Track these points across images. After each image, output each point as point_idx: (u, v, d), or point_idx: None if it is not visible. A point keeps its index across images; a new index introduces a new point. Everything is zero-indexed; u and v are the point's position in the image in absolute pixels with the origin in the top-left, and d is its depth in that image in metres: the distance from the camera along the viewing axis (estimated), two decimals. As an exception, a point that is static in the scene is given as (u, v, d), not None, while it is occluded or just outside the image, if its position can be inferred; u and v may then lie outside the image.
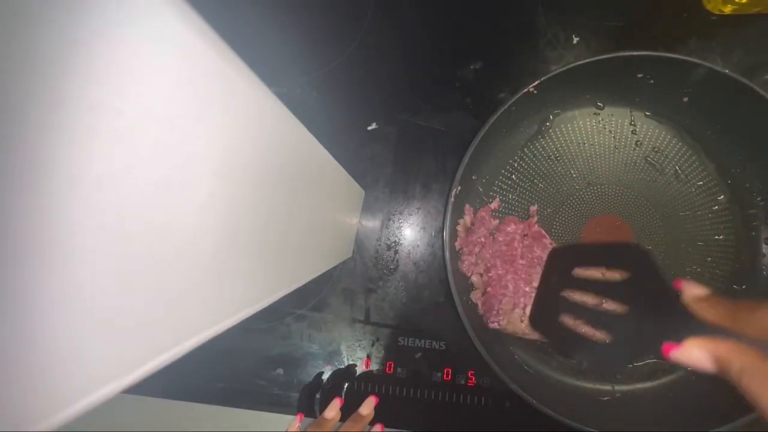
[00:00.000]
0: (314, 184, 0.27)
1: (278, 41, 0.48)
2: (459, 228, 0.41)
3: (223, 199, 0.15)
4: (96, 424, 0.21)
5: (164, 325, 0.14)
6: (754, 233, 0.41)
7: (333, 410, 0.39)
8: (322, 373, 0.43)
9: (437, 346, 0.43)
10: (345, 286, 0.45)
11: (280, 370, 0.44)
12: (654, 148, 0.43)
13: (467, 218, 0.42)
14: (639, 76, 0.39)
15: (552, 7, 0.46)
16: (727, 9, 0.44)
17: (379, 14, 0.47)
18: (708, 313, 0.22)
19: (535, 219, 0.42)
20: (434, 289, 0.44)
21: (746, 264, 0.41)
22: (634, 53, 0.37)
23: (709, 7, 0.45)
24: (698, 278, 0.41)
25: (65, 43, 0.09)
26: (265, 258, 0.21)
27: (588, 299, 0.34)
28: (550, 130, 0.43)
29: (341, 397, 0.41)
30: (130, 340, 0.12)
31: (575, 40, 0.46)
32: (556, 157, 0.43)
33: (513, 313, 0.39)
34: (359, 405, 0.40)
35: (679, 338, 0.22)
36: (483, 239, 0.42)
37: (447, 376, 0.42)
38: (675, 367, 0.40)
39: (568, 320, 0.34)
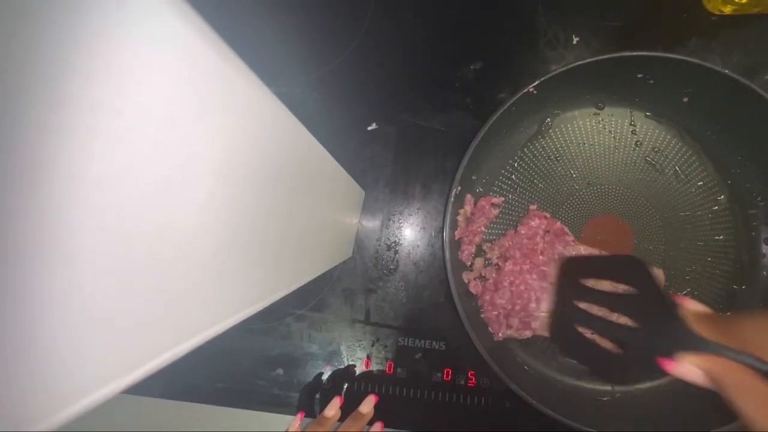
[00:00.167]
0: (314, 184, 0.27)
1: (278, 41, 0.48)
2: (459, 218, 0.41)
3: (223, 199, 0.15)
4: (96, 424, 0.21)
5: (164, 325, 0.14)
6: (754, 233, 0.41)
7: (333, 409, 0.39)
8: (322, 373, 0.43)
9: (437, 346, 0.43)
10: (345, 286, 0.45)
11: (280, 370, 0.44)
12: (654, 148, 0.43)
13: (467, 208, 0.42)
14: (639, 76, 0.39)
15: (552, 7, 0.46)
16: (727, 9, 0.44)
17: (379, 14, 0.47)
18: (703, 327, 0.22)
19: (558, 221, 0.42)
20: (434, 289, 0.44)
21: (746, 264, 0.41)
22: (634, 53, 0.37)
23: (709, 7, 0.45)
24: (698, 278, 0.41)
25: (65, 43, 0.09)
26: (265, 258, 0.21)
27: (596, 310, 0.35)
28: (550, 130, 0.43)
29: (341, 396, 0.41)
30: (130, 340, 0.12)
31: (575, 40, 0.46)
32: (556, 157, 0.43)
33: (539, 314, 0.40)
34: (358, 405, 0.40)
35: (677, 352, 0.23)
36: (483, 228, 0.42)
37: (447, 376, 0.42)
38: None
39: (579, 328, 0.35)
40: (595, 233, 0.42)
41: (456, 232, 0.41)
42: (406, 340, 0.43)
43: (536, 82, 0.37)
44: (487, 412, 0.41)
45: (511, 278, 0.41)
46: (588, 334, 0.35)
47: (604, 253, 0.41)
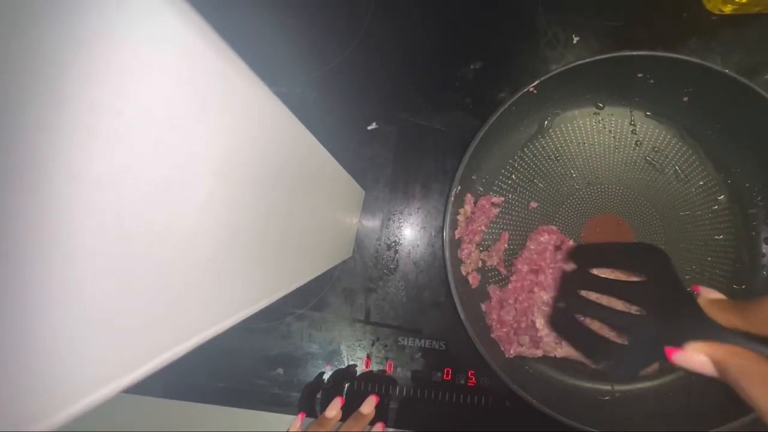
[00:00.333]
0: (314, 184, 0.27)
1: (278, 41, 0.48)
2: (459, 217, 0.41)
3: (223, 199, 0.15)
4: (96, 424, 0.21)
5: (164, 325, 0.14)
6: (754, 233, 0.41)
7: (334, 409, 0.39)
8: (323, 372, 0.43)
9: (437, 346, 0.43)
10: (345, 285, 0.45)
11: (280, 370, 0.44)
12: (654, 148, 0.43)
13: (467, 207, 0.42)
14: (639, 76, 0.39)
15: (552, 7, 0.46)
16: (727, 9, 0.44)
17: (379, 14, 0.47)
18: (721, 314, 0.22)
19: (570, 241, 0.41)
20: (434, 289, 0.44)
21: (746, 264, 0.41)
22: (634, 53, 0.37)
23: (709, 7, 0.45)
24: (698, 278, 0.41)
25: (65, 43, 0.09)
26: (265, 258, 0.21)
27: (604, 299, 0.34)
28: (550, 130, 0.43)
29: (342, 396, 0.41)
30: (130, 340, 0.12)
31: (575, 40, 0.46)
32: (556, 157, 0.43)
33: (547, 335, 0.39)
34: (359, 404, 0.40)
35: (685, 341, 0.22)
36: (483, 227, 0.42)
37: (447, 376, 0.42)
38: (676, 367, 0.40)
39: (586, 320, 0.34)
40: (595, 233, 0.42)
41: (456, 232, 0.41)
42: (406, 339, 0.43)
43: (536, 82, 0.37)
44: (487, 412, 0.41)
45: (515, 295, 0.40)
46: (590, 323, 0.34)
47: (619, 240, 0.40)
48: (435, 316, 0.44)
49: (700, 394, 0.38)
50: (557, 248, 0.41)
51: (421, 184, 0.46)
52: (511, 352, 0.40)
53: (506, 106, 0.38)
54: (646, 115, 0.43)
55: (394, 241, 0.45)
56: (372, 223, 0.45)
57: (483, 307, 0.41)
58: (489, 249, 0.42)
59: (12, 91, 0.08)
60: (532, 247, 0.41)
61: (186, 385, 0.43)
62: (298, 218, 0.24)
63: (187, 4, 0.12)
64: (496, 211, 0.42)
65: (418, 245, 0.45)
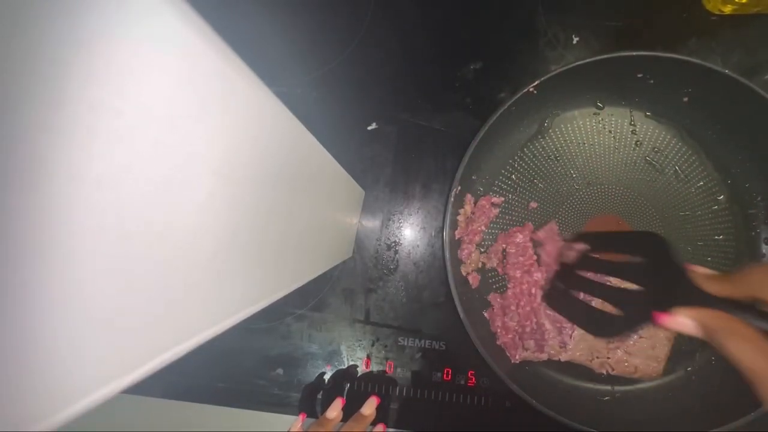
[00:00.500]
0: (314, 184, 0.27)
1: (278, 41, 0.48)
2: (459, 218, 0.41)
3: (223, 199, 0.15)
4: (96, 424, 0.21)
5: (164, 325, 0.14)
6: (754, 233, 0.41)
7: (335, 410, 0.39)
8: (323, 373, 0.43)
9: (437, 346, 0.43)
10: (345, 286, 0.45)
11: (280, 370, 0.44)
12: (654, 148, 0.43)
13: (467, 207, 0.42)
14: (639, 76, 0.39)
15: (552, 7, 0.46)
16: (727, 9, 0.44)
17: (379, 14, 0.47)
18: (714, 286, 0.23)
19: (531, 228, 0.42)
20: (434, 289, 0.44)
21: (746, 264, 0.41)
22: (634, 53, 0.37)
23: (709, 7, 0.45)
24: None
25: (65, 43, 0.09)
26: (265, 258, 0.21)
27: (600, 278, 0.34)
28: (550, 130, 0.43)
29: (343, 397, 0.41)
30: (130, 340, 0.12)
31: (575, 40, 0.46)
32: (555, 157, 0.43)
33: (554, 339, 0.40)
34: (359, 405, 0.40)
35: (674, 307, 0.23)
36: (483, 227, 0.42)
37: (447, 376, 0.42)
38: (675, 367, 0.40)
39: (582, 295, 0.34)
40: (595, 233, 0.42)
41: (456, 232, 0.41)
42: (406, 340, 0.43)
43: (536, 82, 0.37)
44: (487, 412, 0.41)
45: (516, 300, 0.41)
46: (589, 300, 0.34)
47: (619, 228, 0.40)
48: (435, 316, 0.44)
49: (700, 395, 0.38)
50: (533, 240, 0.41)
51: (421, 184, 0.46)
52: (517, 357, 0.40)
53: (506, 106, 0.38)
54: (646, 115, 0.43)
55: (394, 242, 0.45)
56: (372, 224, 0.45)
57: (486, 314, 0.41)
58: (488, 250, 0.42)
59: (12, 91, 0.08)
60: (512, 251, 0.41)
61: (186, 385, 0.43)
62: (298, 218, 0.24)
63: (187, 4, 0.12)
64: (496, 211, 0.42)
65: (418, 245, 0.45)
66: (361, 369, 0.43)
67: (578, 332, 0.40)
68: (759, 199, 0.41)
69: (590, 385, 0.41)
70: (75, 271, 0.10)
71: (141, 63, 0.10)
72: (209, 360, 0.44)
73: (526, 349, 0.40)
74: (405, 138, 0.46)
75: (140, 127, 0.11)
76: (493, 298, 0.41)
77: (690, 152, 0.42)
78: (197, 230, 0.14)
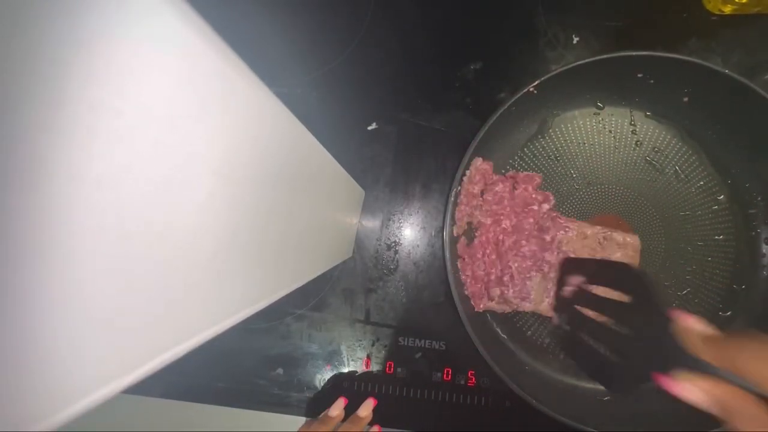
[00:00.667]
0: (314, 184, 0.27)
1: (278, 41, 0.48)
2: (464, 179, 0.41)
3: (223, 199, 0.15)
4: (96, 424, 0.21)
5: (164, 325, 0.14)
6: (754, 233, 0.41)
7: (337, 409, 0.39)
8: (335, 374, 0.43)
9: (437, 346, 0.43)
10: (345, 286, 0.45)
11: (280, 370, 0.44)
12: (654, 148, 0.43)
13: (472, 170, 0.41)
14: (639, 76, 0.39)
15: (552, 7, 0.46)
16: (727, 9, 0.44)
17: (379, 14, 0.47)
18: (697, 348, 0.22)
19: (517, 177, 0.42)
20: (434, 289, 0.44)
21: (746, 264, 0.41)
22: (634, 53, 0.37)
23: (709, 7, 0.45)
24: (698, 278, 0.41)
25: (65, 43, 0.09)
26: (265, 258, 0.21)
27: (595, 316, 0.34)
28: (550, 130, 0.43)
29: (344, 396, 0.41)
30: (130, 340, 0.12)
31: (575, 40, 0.46)
32: (556, 157, 0.43)
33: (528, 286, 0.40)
34: (359, 406, 0.40)
35: (670, 367, 0.23)
36: (477, 190, 0.42)
37: (447, 376, 0.42)
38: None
39: (579, 332, 0.35)
40: (595, 233, 0.42)
41: (459, 191, 0.40)
42: (406, 339, 0.43)
43: (536, 82, 0.37)
44: (487, 412, 0.41)
45: (483, 249, 0.41)
46: (587, 338, 0.35)
47: (602, 257, 0.40)
48: (435, 316, 0.44)
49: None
50: (514, 190, 0.42)
51: (421, 184, 0.46)
52: (481, 306, 0.40)
53: (506, 106, 0.38)
54: (646, 115, 0.43)
55: (394, 242, 0.45)
56: (372, 223, 0.45)
57: (459, 265, 0.41)
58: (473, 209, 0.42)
59: (12, 91, 0.08)
60: (489, 198, 0.41)
61: (186, 385, 0.43)
62: (298, 218, 0.24)
63: (187, 4, 0.12)
64: (496, 177, 0.42)
65: (418, 245, 0.45)
66: (361, 369, 0.43)
67: (536, 281, 0.40)
68: (759, 199, 0.41)
69: (590, 385, 0.41)
70: (75, 271, 0.10)
71: (141, 63, 0.10)
72: (209, 360, 0.44)
73: (492, 299, 0.40)
74: (405, 138, 0.46)
75: (140, 127, 0.11)
76: (462, 247, 0.41)
77: (690, 152, 0.42)
78: (197, 230, 0.14)
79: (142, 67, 0.10)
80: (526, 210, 0.41)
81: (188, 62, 0.12)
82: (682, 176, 0.42)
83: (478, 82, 0.46)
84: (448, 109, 0.46)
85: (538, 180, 0.42)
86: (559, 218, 0.41)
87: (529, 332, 0.42)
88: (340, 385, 0.43)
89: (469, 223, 0.42)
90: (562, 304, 0.38)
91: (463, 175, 0.40)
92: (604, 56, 0.37)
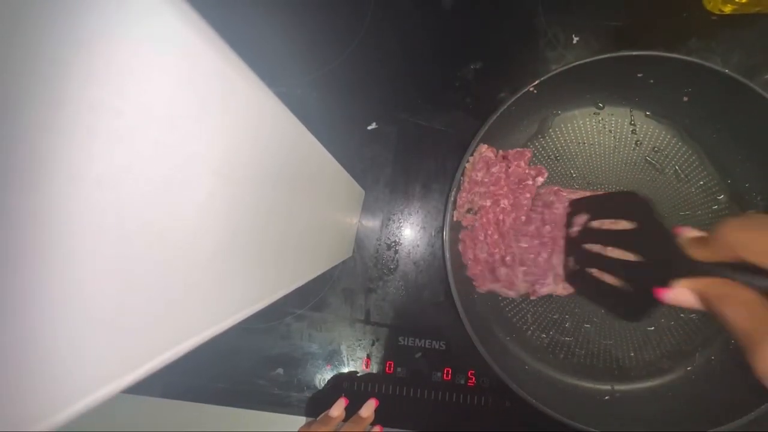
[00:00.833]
0: (314, 184, 0.27)
1: (278, 41, 0.48)
2: (467, 165, 0.41)
3: (223, 199, 0.15)
4: (96, 424, 0.21)
5: (164, 325, 0.14)
6: (754, 233, 0.41)
7: (338, 409, 0.39)
8: (335, 374, 0.43)
9: (437, 346, 0.43)
10: (345, 286, 0.45)
11: (280, 370, 0.44)
12: (654, 148, 0.43)
13: (476, 155, 0.41)
14: (639, 76, 0.39)
15: (552, 7, 0.46)
16: (727, 9, 0.44)
17: (379, 14, 0.47)
18: (700, 251, 0.22)
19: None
20: (434, 288, 0.44)
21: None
22: (634, 53, 0.37)
23: (709, 7, 0.45)
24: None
25: (65, 43, 0.09)
26: (265, 258, 0.21)
27: (602, 250, 0.34)
28: (550, 130, 0.43)
29: (345, 397, 0.41)
30: (130, 340, 0.12)
31: (575, 40, 0.46)
32: (556, 157, 0.43)
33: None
34: (359, 406, 0.40)
35: (672, 280, 0.23)
36: (480, 177, 0.42)
37: (447, 376, 0.42)
38: (674, 366, 0.40)
39: (592, 270, 0.34)
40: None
41: (463, 175, 0.40)
42: (406, 339, 0.43)
43: (536, 82, 0.37)
44: (487, 412, 0.41)
45: (485, 230, 0.41)
46: (596, 272, 0.34)
47: (602, 191, 0.40)
48: (435, 315, 0.44)
49: (699, 395, 0.38)
50: (507, 168, 0.41)
51: (421, 184, 0.46)
52: (484, 288, 0.40)
53: (506, 106, 0.38)
54: (646, 115, 0.43)
55: (394, 241, 0.45)
56: (372, 223, 0.45)
57: (459, 247, 0.41)
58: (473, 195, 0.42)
59: (12, 91, 0.08)
60: (486, 180, 0.41)
61: (186, 385, 0.43)
62: (298, 218, 0.24)
63: (187, 4, 0.12)
64: (499, 160, 0.42)
65: (418, 245, 0.45)
66: (361, 369, 0.43)
67: (543, 259, 0.40)
68: (759, 199, 0.41)
69: (590, 385, 0.41)
70: (75, 271, 0.10)
71: (141, 63, 0.10)
72: (209, 360, 0.44)
73: (498, 280, 0.40)
74: (405, 138, 0.46)
75: (140, 127, 0.11)
76: (463, 232, 0.41)
77: (690, 152, 0.42)
78: (197, 230, 0.14)
79: (142, 67, 0.10)
80: (521, 186, 0.41)
81: (188, 62, 0.12)
82: (682, 176, 0.42)
83: (478, 82, 0.46)
84: (448, 109, 0.46)
85: (528, 154, 0.42)
86: (562, 191, 0.40)
87: (529, 332, 0.42)
88: (340, 385, 0.43)
89: (470, 209, 0.42)
90: (573, 270, 0.38)
91: (468, 161, 0.40)
92: (604, 56, 0.37)
